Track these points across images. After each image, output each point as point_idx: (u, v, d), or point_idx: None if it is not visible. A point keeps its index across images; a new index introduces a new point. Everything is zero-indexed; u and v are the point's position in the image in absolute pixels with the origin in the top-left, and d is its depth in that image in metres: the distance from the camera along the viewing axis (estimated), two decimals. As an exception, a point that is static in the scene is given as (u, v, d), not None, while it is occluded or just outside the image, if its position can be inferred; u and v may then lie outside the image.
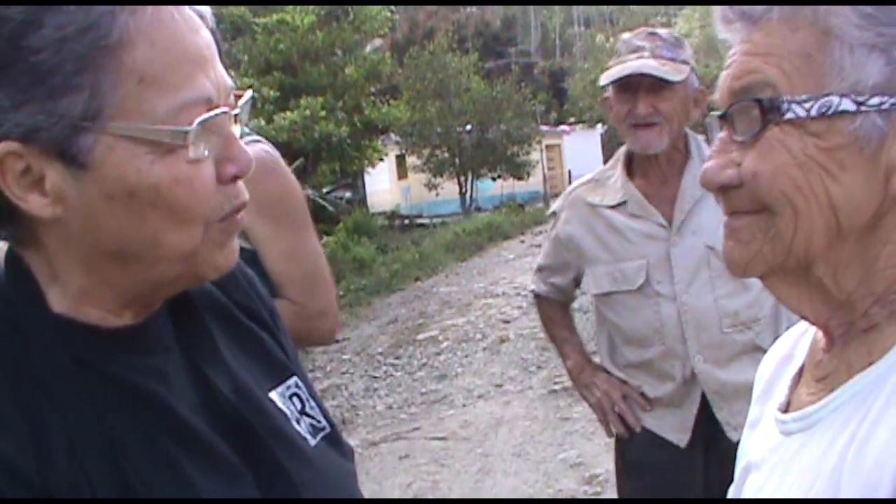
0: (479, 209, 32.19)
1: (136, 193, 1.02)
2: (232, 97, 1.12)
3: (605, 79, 2.91)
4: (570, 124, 51.96)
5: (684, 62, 2.86)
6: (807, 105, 0.99)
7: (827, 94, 0.98)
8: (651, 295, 2.93)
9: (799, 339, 1.32)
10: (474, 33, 58.72)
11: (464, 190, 32.93)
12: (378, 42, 33.93)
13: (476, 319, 12.56)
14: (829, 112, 0.98)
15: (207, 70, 1.06)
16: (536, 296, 3.45)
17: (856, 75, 0.98)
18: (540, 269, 3.39)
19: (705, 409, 2.93)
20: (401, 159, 36.12)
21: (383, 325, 13.48)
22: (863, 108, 0.98)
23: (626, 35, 3.01)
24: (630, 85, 2.84)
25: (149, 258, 1.07)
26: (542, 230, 24.85)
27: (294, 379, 1.32)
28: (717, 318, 2.86)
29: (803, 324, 1.34)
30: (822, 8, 1.00)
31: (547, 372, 9.42)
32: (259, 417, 1.20)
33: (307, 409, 1.30)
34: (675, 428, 3.00)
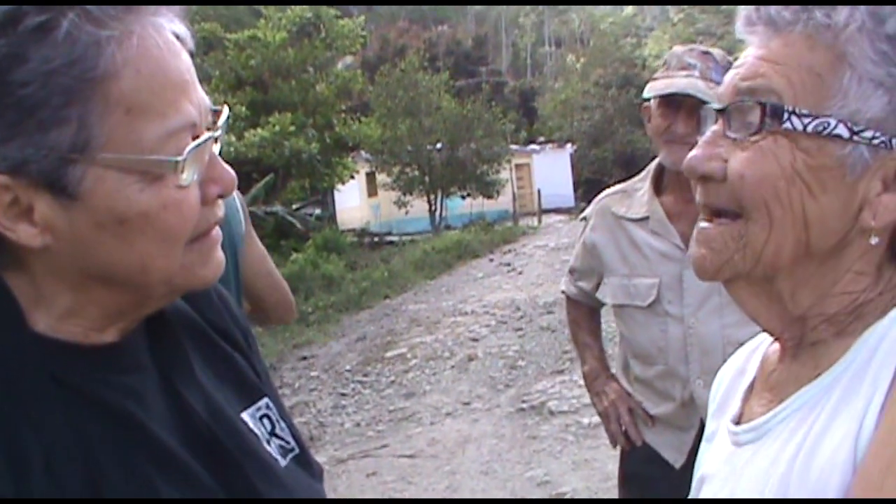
0: (448, 227, 32.16)
1: (125, 221, 1.03)
2: (210, 117, 1.13)
3: (650, 91, 2.86)
4: (540, 143, 52.09)
5: None
6: (805, 120, 1.02)
7: (826, 115, 1.02)
8: (660, 314, 2.92)
9: (751, 354, 1.36)
10: (445, 52, 58.93)
11: (433, 208, 32.94)
12: (349, 59, 33.99)
13: (445, 337, 12.55)
14: (824, 132, 1.02)
15: (190, 94, 1.07)
16: (566, 296, 3.45)
17: (857, 105, 1.02)
18: (571, 272, 3.40)
19: (703, 434, 2.91)
20: (371, 177, 36.05)
21: (352, 342, 13.45)
22: (855, 137, 1.02)
23: (678, 48, 2.94)
24: (674, 101, 2.79)
25: (135, 282, 1.09)
26: (511, 249, 24.93)
27: (265, 400, 1.32)
28: (722, 345, 2.81)
29: (756, 340, 1.40)
30: (843, 34, 1.03)
31: (515, 390, 9.44)
32: (232, 438, 1.20)
33: (277, 431, 1.30)
34: (672, 447, 3.00)
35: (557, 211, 44.22)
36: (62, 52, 0.97)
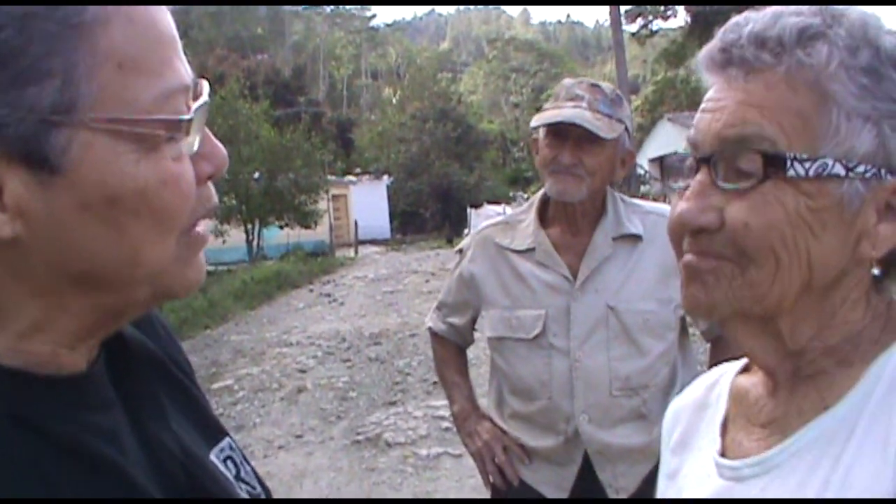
0: (265, 257, 31.77)
1: (117, 200, 0.86)
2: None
3: (537, 120, 2.84)
4: (357, 175, 52.31)
5: (620, 121, 2.82)
6: (806, 164, 1.02)
7: (822, 157, 1.02)
8: (545, 346, 2.86)
9: (712, 388, 1.34)
10: (265, 80, 58.50)
11: (251, 238, 32.48)
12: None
13: (271, 369, 12.32)
14: (823, 174, 1.02)
15: (180, 54, 0.94)
16: (433, 334, 3.35)
17: (850, 142, 1.03)
18: (439, 307, 3.31)
19: (587, 468, 2.89)
20: (187, 205, 35.31)
21: (174, 373, 12.92)
22: (851, 174, 1.02)
23: (567, 81, 2.94)
24: (560, 131, 2.79)
25: (122, 279, 0.91)
26: (330, 279, 24.82)
27: (227, 440, 1.18)
28: (608, 379, 2.81)
29: (712, 373, 1.38)
30: (824, 73, 1.03)
31: (348, 422, 9.34)
32: (210, 484, 1.07)
33: (242, 474, 1.16)
34: (551, 484, 2.95)
35: (374, 242, 44.51)
36: None
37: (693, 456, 1.30)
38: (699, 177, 1.09)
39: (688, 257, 1.11)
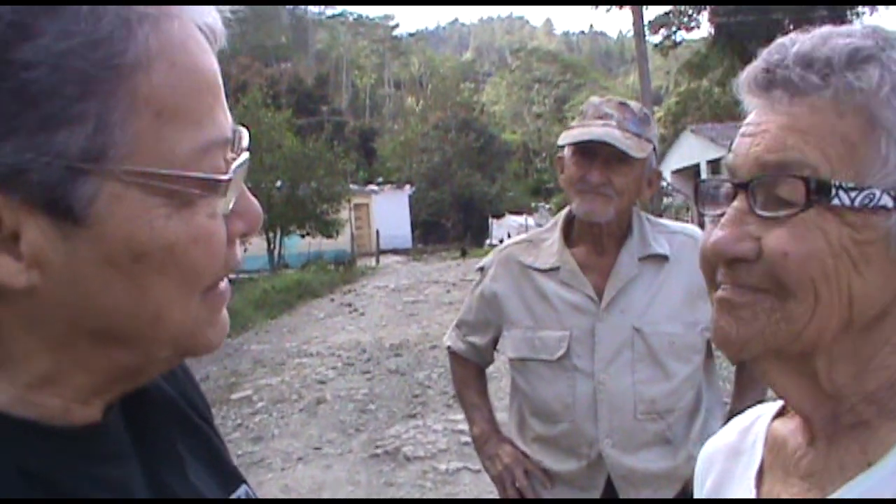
0: (286, 266, 31.85)
1: (143, 256, 0.81)
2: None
3: (565, 138, 2.79)
4: (379, 184, 52.52)
5: (648, 140, 2.77)
6: (852, 193, 0.95)
7: (869, 187, 0.95)
8: (569, 368, 2.80)
9: (747, 433, 1.28)
10: (287, 89, 58.77)
11: (272, 246, 32.56)
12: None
13: (291, 379, 12.31)
14: (870, 205, 0.95)
15: (223, 103, 0.87)
16: (452, 353, 3.28)
17: None
18: (458, 326, 3.24)
19: (609, 493, 2.83)
20: (209, 213, 35.50)
21: (194, 383, 12.95)
22: None
23: (594, 99, 2.89)
24: (589, 150, 2.73)
25: (142, 338, 0.86)
26: (351, 289, 24.85)
27: (244, 487, 1.12)
28: (633, 402, 2.75)
29: (747, 416, 1.32)
30: (875, 98, 0.96)
31: (367, 435, 9.29)
32: None
33: None
34: None
35: (395, 251, 44.61)
36: (84, 27, 0.75)
37: None
38: (736, 203, 1.02)
39: (723, 290, 1.05)
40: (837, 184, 0.95)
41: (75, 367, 0.86)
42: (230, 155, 0.88)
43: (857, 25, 1.05)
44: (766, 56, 1.04)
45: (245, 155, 0.90)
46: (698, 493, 1.35)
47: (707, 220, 1.09)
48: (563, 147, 2.86)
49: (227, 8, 0.91)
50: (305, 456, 8.69)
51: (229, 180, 0.85)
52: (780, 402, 1.25)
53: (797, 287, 0.98)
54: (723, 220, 1.03)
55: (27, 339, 0.83)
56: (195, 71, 0.83)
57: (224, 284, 0.92)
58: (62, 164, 0.75)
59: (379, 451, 8.65)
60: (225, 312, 0.94)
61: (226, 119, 0.87)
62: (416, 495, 7.29)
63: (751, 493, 1.18)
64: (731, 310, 1.03)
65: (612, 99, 2.88)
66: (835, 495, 1.03)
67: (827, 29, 1.03)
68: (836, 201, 0.95)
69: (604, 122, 2.73)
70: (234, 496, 1.09)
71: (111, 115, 0.77)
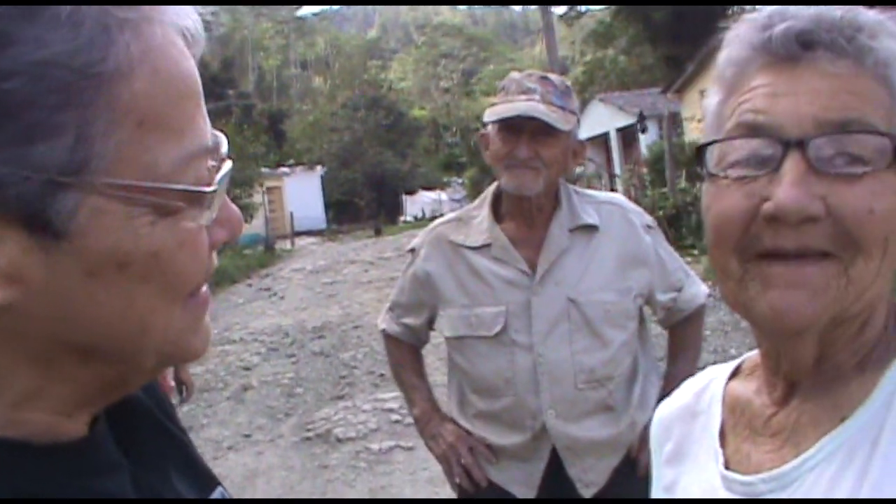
0: (201, 253, 31.45)
1: (128, 265, 0.78)
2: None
3: (491, 115, 2.79)
4: (291, 166, 52.08)
5: (573, 112, 2.80)
6: None
7: None
8: (507, 343, 2.83)
9: (702, 394, 1.29)
10: (193, 74, 57.62)
11: (185, 234, 32.18)
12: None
13: (216, 367, 12.20)
14: None
15: (203, 109, 0.84)
16: (387, 336, 3.28)
17: None
18: (392, 308, 3.23)
19: (555, 464, 2.86)
20: (118, 203, 34.91)
21: (115, 376, 12.74)
22: None
23: (515, 74, 2.90)
24: (515, 125, 2.74)
25: (127, 349, 0.83)
26: (268, 273, 24.68)
27: (220, 489, 1.09)
28: (573, 372, 2.78)
29: (700, 378, 1.33)
30: (893, 67, 1.01)
31: (296, 419, 9.28)
32: None
33: None
34: (520, 482, 2.91)
35: (310, 233, 44.36)
36: (63, 35, 0.72)
37: (691, 467, 1.25)
38: (793, 164, 0.98)
39: (779, 262, 1.00)
40: None
41: (60, 382, 0.83)
42: (211, 163, 0.85)
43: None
44: (788, 16, 1.03)
45: (228, 164, 0.87)
46: (656, 459, 1.36)
47: (725, 182, 1.04)
48: (486, 124, 2.87)
49: (207, 10, 0.90)
50: (236, 444, 8.65)
51: (214, 192, 0.83)
52: (732, 363, 1.28)
53: (872, 245, 0.97)
54: (788, 178, 0.98)
55: (9, 357, 0.80)
56: (177, 78, 0.80)
57: (205, 290, 0.90)
58: (41, 178, 0.72)
59: (310, 434, 8.65)
60: (207, 319, 0.91)
61: (206, 126, 0.84)
62: (351, 476, 7.30)
63: (716, 452, 1.19)
64: (801, 282, 0.99)
65: (532, 73, 2.90)
66: (810, 450, 1.04)
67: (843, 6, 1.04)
68: None
69: (527, 96, 2.75)
70: (212, 496, 1.06)
71: (92, 125, 0.74)
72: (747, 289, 1.02)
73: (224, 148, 0.89)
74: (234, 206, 0.90)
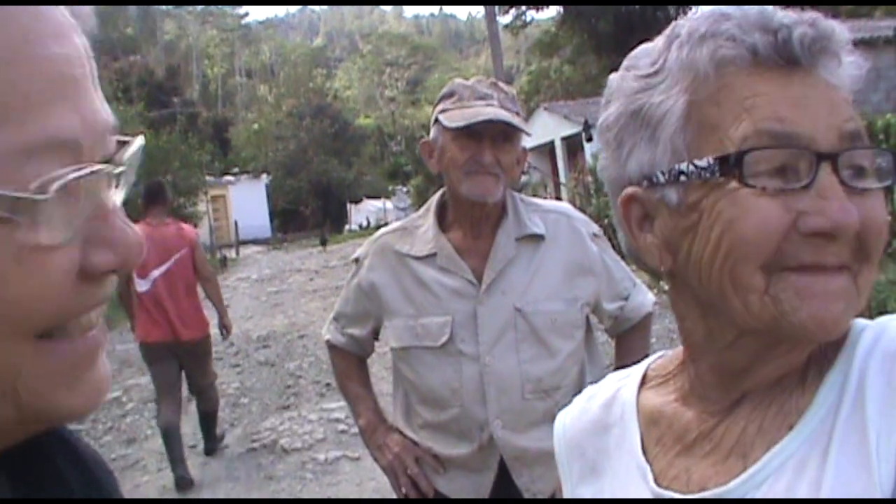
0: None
1: None
2: (112, 143, 0.75)
3: (452, 120, 2.72)
4: (235, 174, 51.83)
5: (524, 119, 2.79)
6: None
7: None
8: (453, 353, 2.80)
9: (610, 405, 1.26)
10: (138, 82, 57.31)
11: (129, 242, 31.88)
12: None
13: (159, 378, 12.07)
14: None
15: (76, 98, 0.68)
16: (332, 346, 3.22)
17: None
18: (336, 319, 3.19)
19: (503, 474, 2.85)
20: (61, 211, 34.51)
21: (57, 387, 12.54)
22: None
23: (461, 81, 2.86)
24: (475, 131, 2.70)
25: None
26: (214, 282, 24.41)
27: None
28: (520, 382, 2.76)
29: (604, 388, 1.31)
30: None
31: (241, 429, 9.21)
32: None
33: None
34: (469, 492, 2.90)
35: (255, 242, 44.14)
36: None
37: (610, 483, 1.20)
38: (829, 177, 0.95)
39: (824, 279, 0.97)
40: None
41: None
42: (94, 167, 0.69)
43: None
44: (786, 22, 0.99)
45: (97, 166, 0.69)
46: (567, 479, 1.31)
47: (763, 195, 0.97)
48: (430, 132, 2.85)
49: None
50: (180, 455, 8.55)
51: (47, 200, 0.64)
52: (636, 370, 1.26)
53: (877, 254, 0.99)
54: (835, 193, 0.95)
55: None
56: (22, 54, 0.65)
57: (92, 335, 0.74)
58: None
59: (255, 444, 8.59)
60: (98, 373, 0.75)
61: (75, 117, 0.68)
62: (297, 487, 7.25)
63: (641, 468, 1.14)
64: (842, 294, 0.97)
65: (482, 79, 2.87)
66: (761, 461, 1.00)
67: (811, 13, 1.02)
68: None
69: (486, 102, 2.72)
70: None
71: None
72: (780, 301, 0.97)
73: (129, 153, 0.77)
74: (124, 226, 0.72)
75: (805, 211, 0.95)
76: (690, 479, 1.08)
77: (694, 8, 1.05)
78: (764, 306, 0.98)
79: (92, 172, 0.67)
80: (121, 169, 0.73)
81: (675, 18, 1.10)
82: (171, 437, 7.62)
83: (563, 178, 31.13)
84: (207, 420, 8.47)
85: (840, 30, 1.00)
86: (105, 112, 0.73)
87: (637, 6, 32.49)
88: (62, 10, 0.70)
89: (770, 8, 1.01)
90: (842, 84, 0.99)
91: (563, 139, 32.20)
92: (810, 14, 1.00)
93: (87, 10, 0.75)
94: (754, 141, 0.97)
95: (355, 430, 3.21)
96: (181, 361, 7.92)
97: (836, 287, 0.96)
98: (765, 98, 0.98)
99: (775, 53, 0.99)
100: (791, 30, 0.98)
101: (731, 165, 0.97)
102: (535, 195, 21.18)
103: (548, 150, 33.77)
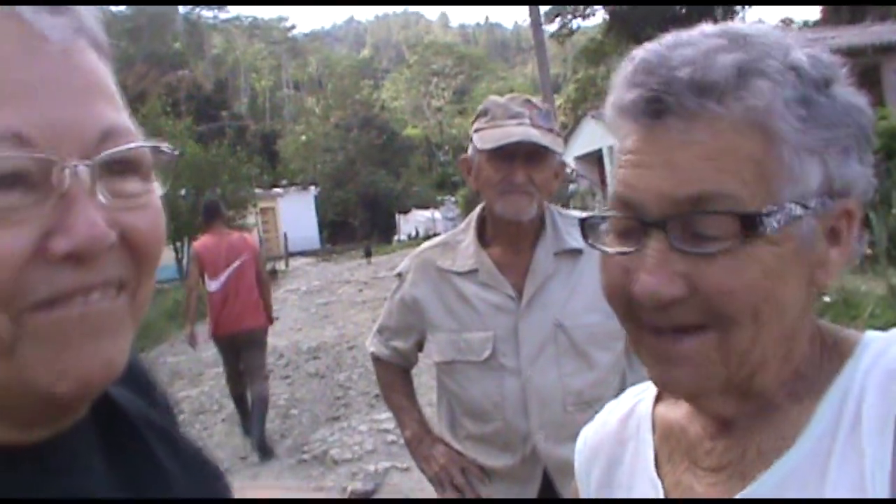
0: (196, 275, 31.37)
1: None
2: (106, 143, 0.80)
3: (484, 142, 2.79)
4: (284, 186, 52.09)
5: (558, 134, 2.81)
6: (777, 216, 0.95)
7: (784, 202, 0.95)
8: (496, 367, 2.84)
9: (628, 419, 1.28)
10: (186, 96, 57.92)
11: (180, 255, 32.09)
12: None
13: (210, 390, 12.19)
14: (790, 221, 0.96)
15: (31, 100, 0.74)
16: (376, 359, 3.30)
17: (804, 181, 0.96)
18: (380, 331, 3.25)
19: (547, 485, 2.86)
20: (114, 225, 34.83)
21: (111, 400, 12.69)
22: (808, 212, 0.97)
23: (496, 98, 2.90)
24: (508, 151, 2.74)
25: None
26: (263, 294, 24.52)
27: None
28: (561, 395, 2.79)
29: (623, 402, 1.33)
30: (768, 112, 0.95)
31: (292, 440, 9.27)
32: None
33: None
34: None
35: (304, 253, 44.28)
36: None
37: (625, 495, 1.22)
38: (655, 244, 0.97)
39: (659, 338, 1.01)
40: (763, 212, 0.94)
41: None
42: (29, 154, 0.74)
43: (711, 25, 1.04)
44: (643, 80, 1.00)
45: (41, 154, 0.74)
46: (584, 486, 1.33)
47: (612, 257, 1.04)
48: (479, 150, 2.85)
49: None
50: (232, 466, 8.62)
51: None
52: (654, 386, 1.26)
53: (741, 317, 0.96)
54: (648, 263, 0.98)
55: None
56: None
57: (79, 304, 0.78)
58: None
59: (306, 455, 8.64)
60: (91, 342, 0.79)
61: (17, 114, 0.74)
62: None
63: (654, 482, 1.16)
64: (682, 359, 1.00)
65: (515, 97, 2.91)
66: (757, 481, 1.01)
67: (693, 38, 1.00)
68: (766, 230, 0.94)
69: (518, 121, 2.75)
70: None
71: None
72: (641, 354, 1.06)
73: (112, 149, 0.80)
74: (84, 214, 0.77)
75: (636, 273, 0.99)
76: (692, 495, 1.10)
77: (739, 10, 1.05)
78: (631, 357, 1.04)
79: (19, 157, 0.72)
80: (86, 164, 0.77)
81: (721, 21, 1.10)
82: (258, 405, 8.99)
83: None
84: (261, 407, 9.03)
85: (694, 77, 0.96)
86: (87, 114, 0.78)
87: (682, 10, 32.31)
88: (28, 12, 0.75)
89: (666, 52, 1.00)
90: (702, 136, 0.96)
91: (611, 147, 32.10)
92: (689, 58, 0.97)
93: (93, 12, 0.81)
94: (611, 204, 1.04)
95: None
96: (240, 353, 9.27)
97: (678, 351, 1.00)
98: (627, 159, 1.02)
99: (630, 115, 1.01)
100: (632, 91, 1.00)
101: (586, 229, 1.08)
102: (583, 203, 21.06)
103: (596, 158, 33.71)
